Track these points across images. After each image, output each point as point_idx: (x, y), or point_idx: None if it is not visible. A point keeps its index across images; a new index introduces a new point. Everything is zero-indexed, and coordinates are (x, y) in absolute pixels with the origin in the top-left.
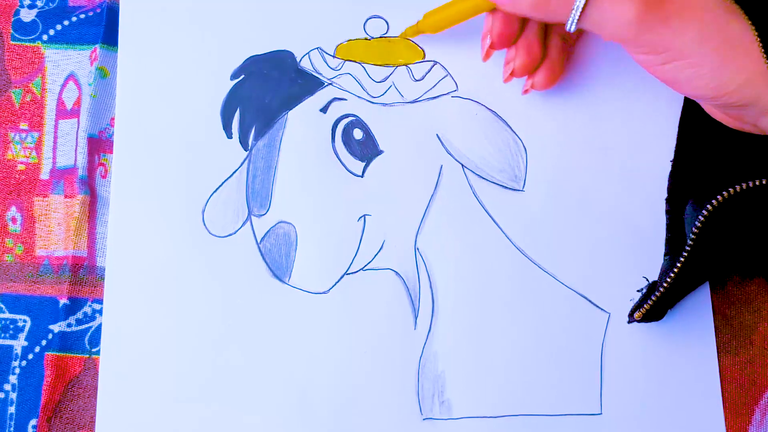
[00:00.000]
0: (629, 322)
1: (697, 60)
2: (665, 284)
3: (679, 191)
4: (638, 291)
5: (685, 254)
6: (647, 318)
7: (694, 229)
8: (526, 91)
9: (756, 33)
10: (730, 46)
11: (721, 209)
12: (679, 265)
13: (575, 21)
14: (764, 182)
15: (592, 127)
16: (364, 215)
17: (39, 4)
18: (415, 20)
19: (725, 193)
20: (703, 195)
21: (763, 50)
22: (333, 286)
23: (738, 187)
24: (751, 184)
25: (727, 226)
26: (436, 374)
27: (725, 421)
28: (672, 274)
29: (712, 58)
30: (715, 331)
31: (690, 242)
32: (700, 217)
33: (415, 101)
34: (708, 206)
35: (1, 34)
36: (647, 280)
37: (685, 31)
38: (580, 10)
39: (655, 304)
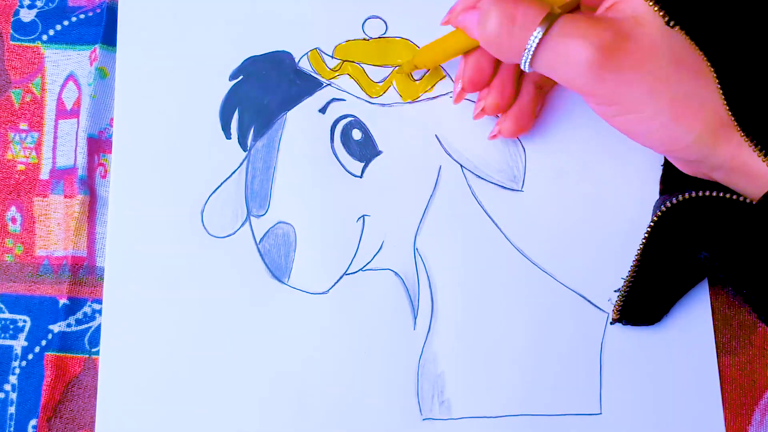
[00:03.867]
0: (611, 323)
1: (649, 115)
2: (625, 280)
3: (669, 193)
4: (615, 291)
5: (639, 250)
6: (629, 318)
7: (650, 223)
8: (477, 116)
9: (719, 87)
10: (681, 104)
11: (682, 211)
12: (635, 260)
13: (528, 61)
14: (727, 196)
15: (591, 127)
16: (363, 216)
17: (39, 4)
18: (412, 23)
19: (686, 195)
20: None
21: (725, 104)
22: (332, 287)
23: (700, 193)
24: (715, 193)
25: (689, 230)
26: (436, 374)
27: (724, 421)
28: (629, 270)
29: (663, 114)
30: (715, 332)
31: (643, 238)
32: (657, 212)
33: (413, 102)
34: (667, 203)
35: (0, 34)
36: (624, 280)
37: (638, 84)
38: (532, 50)
39: (626, 303)
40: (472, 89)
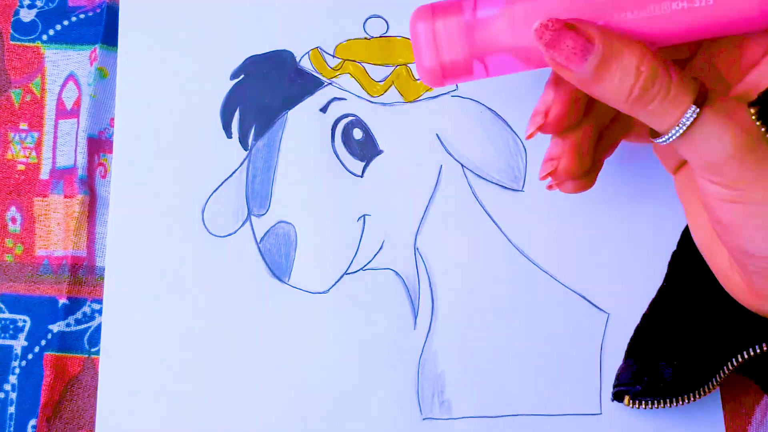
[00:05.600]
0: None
1: (764, 210)
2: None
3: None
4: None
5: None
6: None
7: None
8: (550, 186)
9: None
10: None
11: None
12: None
13: (677, 135)
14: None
15: None
16: (364, 215)
17: (39, 4)
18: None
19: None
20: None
21: None
22: (333, 286)
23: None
24: None
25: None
26: (436, 374)
27: (724, 421)
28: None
29: None
30: None
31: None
32: (724, 369)
33: (414, 101)
34: (738, 357)
35: (0, 33)
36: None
37: None
38: (686, 125)
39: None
40: (553, 129)
